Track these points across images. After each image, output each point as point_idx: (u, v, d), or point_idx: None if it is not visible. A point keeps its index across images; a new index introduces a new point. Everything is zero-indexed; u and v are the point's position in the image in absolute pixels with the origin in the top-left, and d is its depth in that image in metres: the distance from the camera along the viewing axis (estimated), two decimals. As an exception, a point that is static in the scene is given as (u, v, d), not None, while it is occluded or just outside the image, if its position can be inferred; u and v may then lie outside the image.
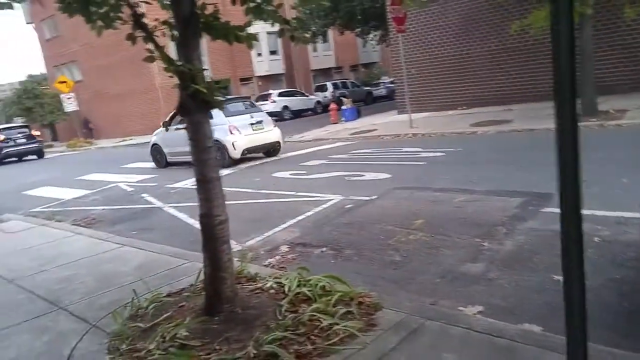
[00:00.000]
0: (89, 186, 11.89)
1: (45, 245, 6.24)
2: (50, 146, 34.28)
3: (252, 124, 12.46)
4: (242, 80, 34.18)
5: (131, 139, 28.79)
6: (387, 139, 13.74)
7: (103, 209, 8.85)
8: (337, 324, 2.98)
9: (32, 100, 33.86)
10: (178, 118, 14.93)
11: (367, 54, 43.65)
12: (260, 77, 35.95)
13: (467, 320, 3.03)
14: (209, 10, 3.10)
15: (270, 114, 28.39)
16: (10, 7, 3.21)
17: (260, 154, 13.27)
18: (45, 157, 25.30)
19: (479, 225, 5.07)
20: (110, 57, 30.66)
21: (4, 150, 23.80)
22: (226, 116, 12.08)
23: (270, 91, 30.43)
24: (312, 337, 2.90)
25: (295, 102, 29.81)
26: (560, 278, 3.45)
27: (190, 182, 10.22)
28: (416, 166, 9.00)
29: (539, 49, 14.63)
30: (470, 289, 3.70)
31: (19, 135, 24.33)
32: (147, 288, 3.88)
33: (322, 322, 3.02)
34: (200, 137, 3.14)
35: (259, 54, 34.82)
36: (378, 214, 6.06)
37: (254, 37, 3.27)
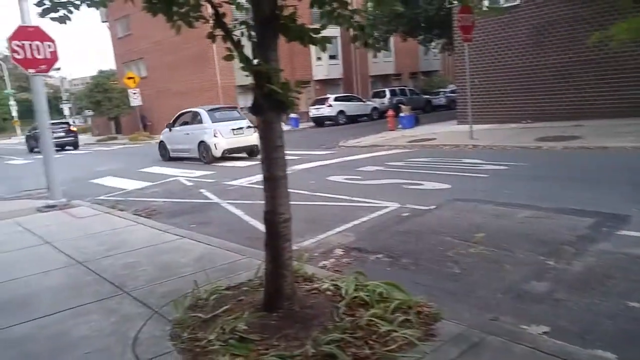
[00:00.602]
0: (150, 178, 12.38)
1: (110, 232, 6.54)
2: (115, 138, 36.14)
3: (233, 129, 14.77)
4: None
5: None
6: (446, 149, 13.46)
7: (163, 201, 9.18)
8: (396, 331, 2.94)
9: (102, 94, 35.77)
10: (181, 120, 16.43)
11: (427, 62, 43.13)
12: (318, 81, 36.19)
13: (533, 339, 2.90)
14: (287, 11, 3.14)
15: (326, 118, 28.90)
16: (104, 5, 3.40)
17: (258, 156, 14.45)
18: (110, 148, 27.75)
19: (545, 243, 4.86)
20: (175, 54, 31.79)
21: None
22: (212, 122, 14.77)
23: (327, 95, 30.57)
24: (370, 341, 2.87)
25: (351, 107, 29.78)
26: (637, 305, 3.28)
27: (246, 181, 10.44)
28: (477, 178, 8.75)
29: (618, 63, 13.91)
30: (534, 307, 3.55)
31: (59, 129, 28.34)
32: (206, 280, 3.97)
33: (380, 328, 2.98)
34: (271, 135, 3.18)
35: (319, 58, 35.01)
36: (436, 225, 5.94)
37: (328, 40, 3.27)
